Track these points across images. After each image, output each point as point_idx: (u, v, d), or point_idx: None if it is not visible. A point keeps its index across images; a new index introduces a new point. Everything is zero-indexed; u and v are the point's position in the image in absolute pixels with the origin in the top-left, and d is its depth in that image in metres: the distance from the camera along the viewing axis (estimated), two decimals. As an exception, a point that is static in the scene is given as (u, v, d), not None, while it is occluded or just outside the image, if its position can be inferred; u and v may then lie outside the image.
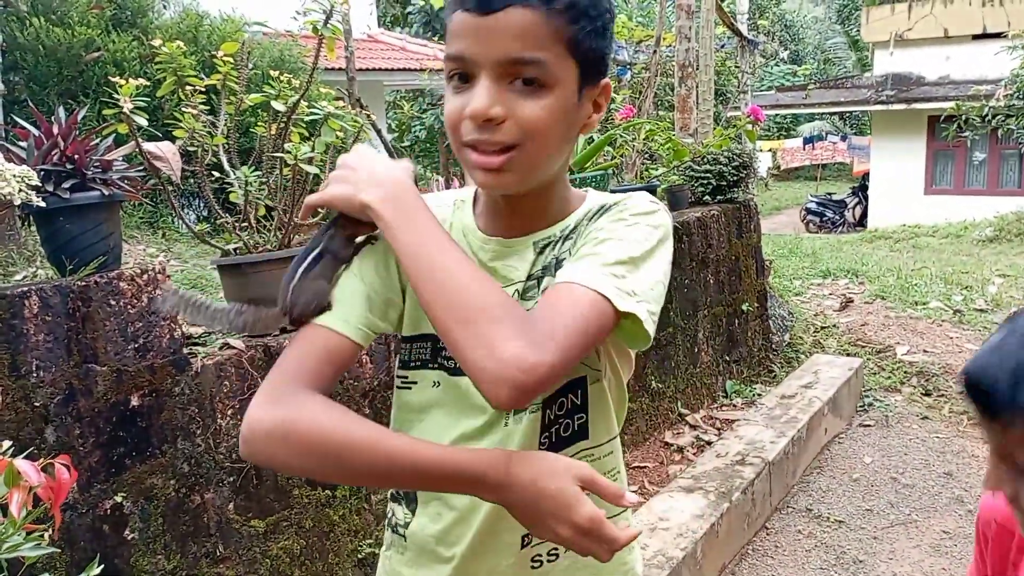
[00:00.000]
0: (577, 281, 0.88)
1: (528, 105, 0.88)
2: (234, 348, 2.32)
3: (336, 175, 0.97)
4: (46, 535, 0.96)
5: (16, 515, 0.80)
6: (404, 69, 9.62)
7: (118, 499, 1.99)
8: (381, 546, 2.78)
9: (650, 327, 0.90)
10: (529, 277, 1.00)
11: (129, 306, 2.03)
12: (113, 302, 2.00)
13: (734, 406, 4.65)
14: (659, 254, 0.95)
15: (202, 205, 5.78)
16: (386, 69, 9.60)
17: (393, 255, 0.97)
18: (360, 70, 6.24)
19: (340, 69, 4.31)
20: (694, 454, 3.92)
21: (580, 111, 0.93)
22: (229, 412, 2.26)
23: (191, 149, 2.37)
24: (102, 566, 1.07)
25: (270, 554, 2.35)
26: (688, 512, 3.06)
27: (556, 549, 1.02)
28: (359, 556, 2.60)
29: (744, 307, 5.04)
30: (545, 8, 0.85)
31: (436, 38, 11.45)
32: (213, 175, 2.46)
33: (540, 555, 1.02)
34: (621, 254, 0.91)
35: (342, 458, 0.88)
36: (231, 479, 2.26)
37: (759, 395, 4.76)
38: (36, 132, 2.05)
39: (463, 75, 0.90)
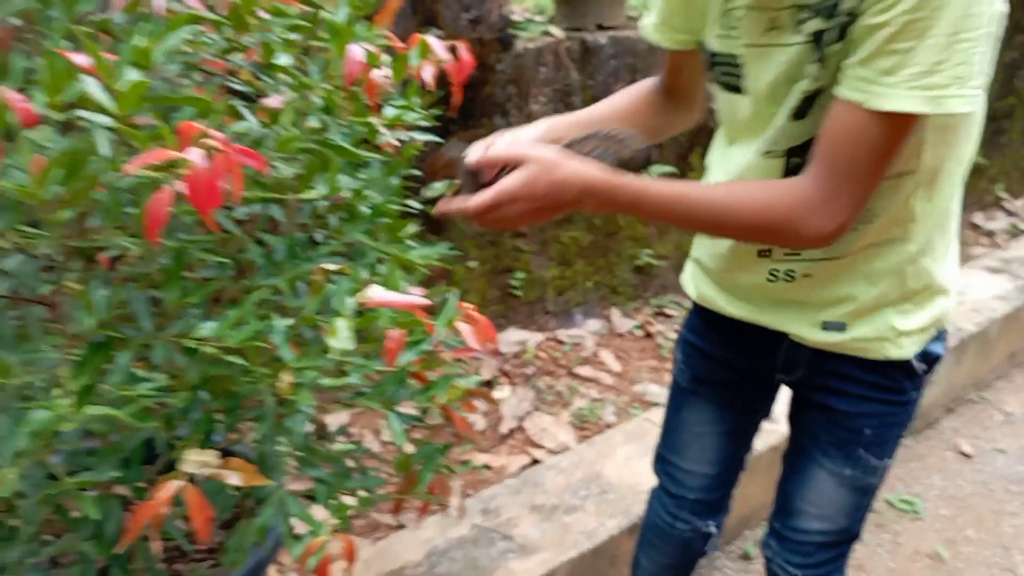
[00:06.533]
0: (881, 109, 0.78)
1: None
2: (553, 36, 2.33)
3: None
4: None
5: (431, 83, 0.86)
6: None
7: (441, 159, 2.17)
8: (658, 259, 2.86)
9: (970, 104, 0.77)
10: (802, 7, 0.84)
11: (467, -25, 2.07)
12: (454, -33, 2.04)
13: (1066, 200, 4.07)
14: (974, 15, 0.75)
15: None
16: None
17: None
18: None
19: None
20: (1005, 240, 3.53)
21: None
22: (541, 98, 2.32)
23: None
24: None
25: (561, 240, 2.50)
26: (988, 292, 2.82)
27: (792, 271, 1.00)
28: (636, 263, 2.70)
29: (1112, 89, 4.21)
30: None
31: None
32: None
33: (777, 270, 1.01)
34: (925, 59, 0.75)
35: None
36: (536, 163, 2.36)
37: (1102, 194, 4.10)
38: None
39: None
